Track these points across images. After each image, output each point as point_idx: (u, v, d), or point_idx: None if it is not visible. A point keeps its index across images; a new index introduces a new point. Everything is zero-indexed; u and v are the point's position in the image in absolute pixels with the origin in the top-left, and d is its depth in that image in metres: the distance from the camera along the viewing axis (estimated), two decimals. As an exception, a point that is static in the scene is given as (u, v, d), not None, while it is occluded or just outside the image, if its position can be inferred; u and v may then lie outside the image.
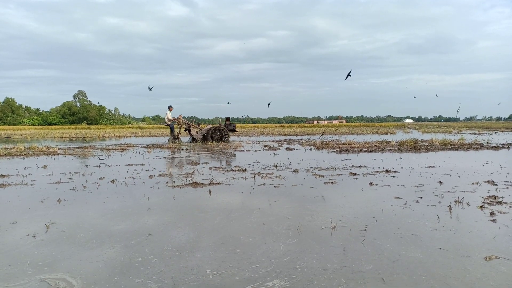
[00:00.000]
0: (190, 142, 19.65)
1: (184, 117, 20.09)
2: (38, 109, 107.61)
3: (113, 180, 7.27)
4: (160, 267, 3.07)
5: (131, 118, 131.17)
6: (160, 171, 8.59)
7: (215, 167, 9.27)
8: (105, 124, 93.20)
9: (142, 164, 9.93)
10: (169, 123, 19.53)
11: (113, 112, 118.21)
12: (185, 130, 20.31)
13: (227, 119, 21.13)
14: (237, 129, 23.15)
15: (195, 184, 6.75)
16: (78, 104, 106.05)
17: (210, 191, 6.18)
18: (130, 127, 67.75)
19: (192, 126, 20.14)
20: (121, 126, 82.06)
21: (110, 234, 3.95)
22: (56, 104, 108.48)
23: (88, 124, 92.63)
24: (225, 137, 20.11)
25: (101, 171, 8.66)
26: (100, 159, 10.23)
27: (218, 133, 19.86)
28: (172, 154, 13.16)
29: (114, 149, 15.43)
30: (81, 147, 17.15)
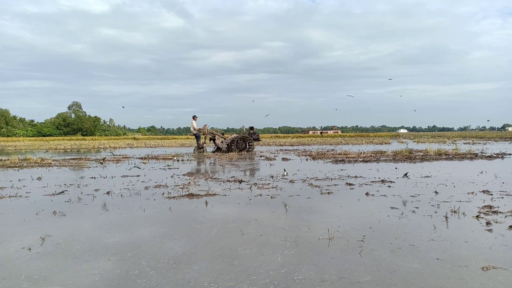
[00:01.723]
0: (214, 152, 19.85)
1: (208, 127, 20.31)
2: (32, 121, 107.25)
3: (108, 192, 7.23)
4: (157, 279, 3.05)
5: (126, 129, 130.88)
6: (155, 182, 8.55)
7: (211, 177, 9.25)
8: (100, 135, 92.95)
9: (138, 176, 9.89)
10: (194, 132, 19.75)
11: (108, 123, 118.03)
12: (210, 140, 20.47)
13: (251, 128, 21.22)
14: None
15: (191, 195, 6.72)
16: (73, 115, 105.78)
17: (206, 202, 6.16)
18: (125, 138, 67.57)
19: (216, 135, 20.33)
20: (116, 137, 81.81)
21: (106, 246, 3.92)
22: (51, 116, 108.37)
23: (83, 135, 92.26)
24: (250, 147, 20.29)
25: (96, 183, 8.62)
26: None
27: (242, 142, 20.06)
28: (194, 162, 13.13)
29: (109, 160, 15.36)
30: (76, 158, 17.06)
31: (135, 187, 7.91)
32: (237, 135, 20.82)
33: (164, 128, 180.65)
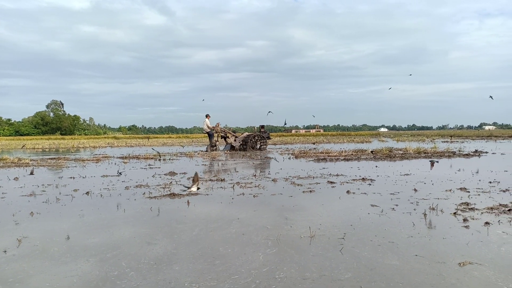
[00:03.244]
0: (228, 150, 19.93)
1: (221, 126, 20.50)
2: (9, 119, 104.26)
3: (88, 192, 7.10)
4: (137, 280, 3.01)
5: (107, 128, 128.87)
6: (136, 182, 8.45)
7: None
8: (79, 135, 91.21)
9: (118, 175, 9.75)
10: (208, 130, 19.90)
11: (88, 122, 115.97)
12: (221, 138, 20.61)
13: (262, 127, 21.32)
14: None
15: (173, 195, 6.67)
16: (52, 114, 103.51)
17: (188, 201, 6.12)
18: (105, 137, 66.49)
19: (229, 134, 20.46)
20: (96, 136, 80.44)
21: (85, 247, 3.85)
22: (28, 114, 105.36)
23: (62, 134, 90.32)
24: (264, 145, 20.53)
25: (75, 183, 8.45)
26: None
27: (256, 141, 20.28)
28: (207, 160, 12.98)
29: (89, 160, 15.10)
30: (54, 158, 16.70)
31: (115, 187, 7.79)
32: (249, 133, 20.94)
33: (145, 127, 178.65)
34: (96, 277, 3.09)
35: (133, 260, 3.45)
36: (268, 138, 21.29)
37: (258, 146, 20.44)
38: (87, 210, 5.60)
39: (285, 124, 29.58)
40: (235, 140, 20.25)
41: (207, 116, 19.99)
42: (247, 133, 21.03)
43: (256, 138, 20.41)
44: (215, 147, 20.03)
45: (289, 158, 14.94)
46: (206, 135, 20.28)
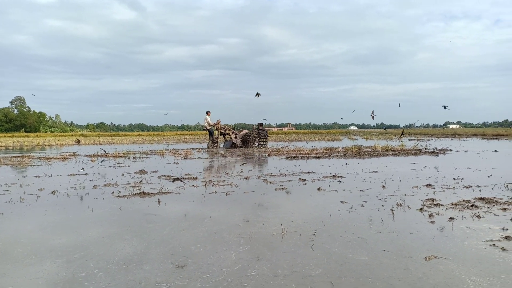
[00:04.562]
0: (230, 147, 19.97)
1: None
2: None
3: (53, 191, 6.86)
4: (105, 281, 2.94)
5: (74, 126, 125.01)
6: (105, 181, 8.24)
7: (164, 175, 9.07)
8: (45, 132, 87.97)
9: (86, 174, 9.48)
10: (209, 127, 19.98)
11: (54, 119, 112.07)
12: (220, 135, 20.68)
13: (260, 124, 21.35)
14: (187, 137, 23.50)
15: (143, 194, 6.55)
16: (16, 111, 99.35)
17: (159, 200, 6.02)
18: (72, 135, 64.52)
19: (229, 131, 20.53)
20: (62, 133, 77.91)
21: (51, 248, 3.72)
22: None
23: (26, 132, 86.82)
24: (263, 142, 20.83)
25: (40, 182, 8.15)
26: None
27: (255, 137, 20.43)
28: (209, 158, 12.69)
29: (55, 158, 14.60)
30: (18, 156, 16.05)
31: (82, 186, 7.57)
32: (249, 130, 20.98)
33: (114, 125, 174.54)
34: (62, 278, 3.00)
35: (102, 261, 3.37)
36: (267, 135, 21.48)
37: (257, 144, 20.59)
38: (53, 210, 5.42)
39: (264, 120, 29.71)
40: (235, 137, 20.33)
41: (207, 113, 20.03)
42: (246, 130, 21.11)
43: (255, 135, 20.57)
44: (216, 144, 20.19)
45: (262, 156, 14.98)
46: (204, 132, 20.61)
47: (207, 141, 20.75)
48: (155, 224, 4.61)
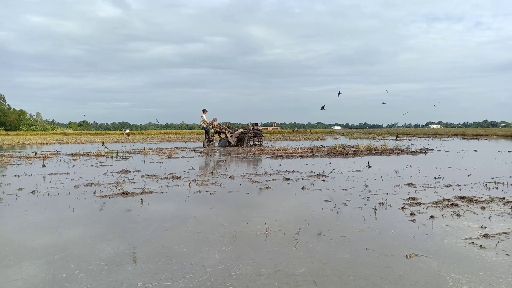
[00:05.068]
0: (225, 146, 20.01)
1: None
2: None
3: (34, 191, 6.72)
4: (87, 282, 2.89)
5: (55, 124, 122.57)
6: (86, 180, 8.11)
7: (148, 175, 8.98)
8: (25, 130, 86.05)
9: (67, 173, 9.32)
10: (205, 126, 20.02)
11: (35, 117, 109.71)
12: (215, 133, 20.76)
13: (255, 124, 21.44)
14: (171, 136, 23.53)
15: (125, 194, 6.47)
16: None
17: (142, 200, 5.96)
18: (53, 133, 63.30)
19: (224, 129, 20.56)
20: (43, 132, 76.33)
21: (31, 249, 3.64)
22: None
23: (6, 130, 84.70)
24: (258, 142, 20.84)
25: (20, 181, 7.97)
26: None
27: (250, 137, 20.49)
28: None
29: (35, 157, 14.30)
30: (-4, 155, 15.66)
31: (63, 185, 7.44)
32: (243, 130, 21.07)
33: (97, 123, 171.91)
34: (42, 280, 2.94)
35: (83, 262, 3.31)
36: (261, 136, 21.60)
37: (251, 143, 20.66)
38: (33, 210, 5.31)
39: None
40: (231, 136, 20.40)
41: (204, 111, 20.09)
42: (241, 130, 21.19)
43: (250, 134, 20.69)
44: (212, 142, 20.32)
45: (247, 155, 14.98)
46: (188, 131, 20.65)
47: (202, 140, 20.98)
48: (137, 224, 4.56)
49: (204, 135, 21.00)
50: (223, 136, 20.85)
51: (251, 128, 21.26)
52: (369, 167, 9.42)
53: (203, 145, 20.40)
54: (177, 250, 3.60)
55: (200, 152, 16.81)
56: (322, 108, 17.49)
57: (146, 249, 3.65)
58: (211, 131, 20.53)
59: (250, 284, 2.85)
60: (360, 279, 2.92)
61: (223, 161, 13.06)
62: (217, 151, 17.26)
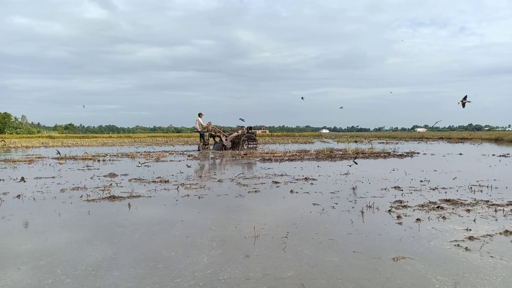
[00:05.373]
0: (220, 149, 20.07)
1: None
2: None
3: (19, 195, 6.61)
4: (73, 288, 2.85)
5: (41, 127, 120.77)
6: (73, 184, 8.01)
7: (135, 178, 8.91)
8: (10, 133, 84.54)
9: (53, 177, 9.19)
10: (200, 129, 20.11)
11: (20, 120, 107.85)
12: (210, 136, 20.92)
13: (250, 128, 21.70)
14: (159, 139, 23.57)
15: (112, 198, 6.41)
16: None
17: (129, 204, 5.91)
18: (39, 137, 62.35)
19: (219, 133, 20.65)
20: (29, 135, 75.14)
21: (16, 254, 3.58)
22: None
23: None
24: (252, 145, 21.13)
25: (5, 186, 7.83)
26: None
27: (244, 140, 20.70)
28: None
29: (20, 161, 14.07)
30: (-20, 159, 15.35)
31: (49, 189, 7.33)
32: (238, 134, 21.17)
33: (83, 126, 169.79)
34: (27, 285, 2.89)
35: (69, 267, 3.27)
36: (255, 139, 21.77)
37: (246, 146, 20.86)
38: (18, 215, 5.22)
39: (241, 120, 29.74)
40: (226, 139, 20.43)
41: (199, 115, 20.17)
42: (236, 133, 21.27)
43: (245, 138, 20.86)
44: (207, 146, 20.43)
45: (236, 158, 14.97)
46: (196, 134, 20.87)
47: (198, 143, 21.20)
48: (125, 228, 4.52)
49: (199, 138, 20.98)
50: (217, 139, 20.95)
51: (246, 131, 21.39)
52: (356, 163, 9.49)
53: (199, 148, 20.46)
54: (165, 255, 3.58)
55: (189, 156, 16.73)
56: (302, 98, 18.12)
57: (133, 253, 3.62)
58: (206, 134, 20.58)
59: (239, 288, 2.85)
60: (348, 282, 2.94)
61: (212, 164, 13.02)
62: (207, 155, 17.23)
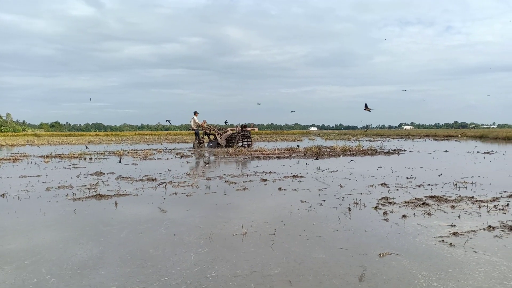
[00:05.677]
0: (215, 147, 20.10)
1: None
2: None
3: (3, 194, 6.50)
4: (58, 287, 2.82)
5: (26, 125, 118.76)
6: (59, 183, 7.91)
7: (122, 177, 8.83)
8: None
9: (38, 176, 9.06)
10: (195, 128, 20.19)
11: (4, 118, 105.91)
12: (205, 135, 20.92)
13: (244, 126, 21.81)
14: (147, 137, 23.58)
15: (99, 196, 6.34)
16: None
17: (116, 203, 5.86)
18: (24, 135, 61.35)
19: (213, 131, 20.76)
20: (14, 133, 73.84)
21: (0, 254, 3.53)
22: None
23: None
24: (247, 143, 21.26)
25: (-13, 185, 7.69)
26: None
27: (239, 138, 20.78)
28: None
29: (5, 159, 13.82)
30: (-38, 157, 15.04)
31: (34, 188, 7.22)
32: (232, 132, 21.32)
33: (70, 124, 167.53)
34: (11, 286, 2.85)
35: (55, 266, 3.23)
36: (250, 137, 21.84)
37: (240, 144, 20.93)
38: (2, 214, 5.13)
39: (225, 123, 29.82)
40: (220, 138, 20.54)
41: (195, 113, 20.21)
42: (230, 131, 21.40)
43: (239, 136, 20.94)
44: (201, 144, 20.44)
45: (224, 156, 14.95)
46: (192, 132, 21.01)
47: (193, 141, 21.07)
48: (112, 227, 4.48)
49: (194, 136, 21.00)
50: (212, 137, 21.05)
51: (240, 129, 21.50)
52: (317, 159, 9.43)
53: (193, 146, 20.53)
54: (152, 253, 3.56)
55: (177, 154, 16.65)
56: (258, 103, 18.65)
57: (120, 252, 3.59)
58: (201, 132, 20.64)
59: (226, 286, 2.85)
60: (335, 278, 2.97)
61: (200, 162, 12.98)
62: (197, 153, 17.18)
